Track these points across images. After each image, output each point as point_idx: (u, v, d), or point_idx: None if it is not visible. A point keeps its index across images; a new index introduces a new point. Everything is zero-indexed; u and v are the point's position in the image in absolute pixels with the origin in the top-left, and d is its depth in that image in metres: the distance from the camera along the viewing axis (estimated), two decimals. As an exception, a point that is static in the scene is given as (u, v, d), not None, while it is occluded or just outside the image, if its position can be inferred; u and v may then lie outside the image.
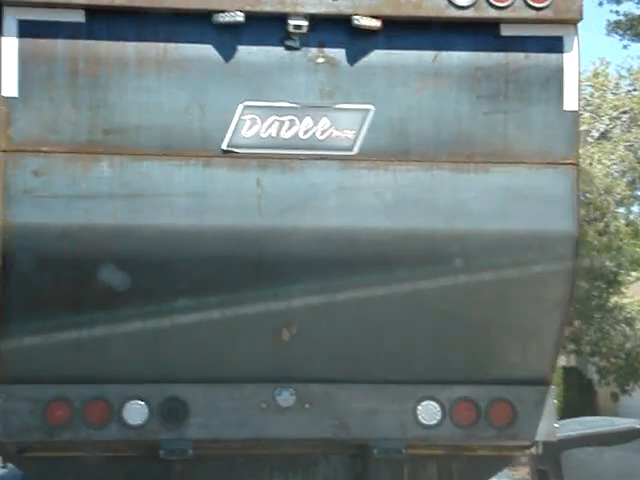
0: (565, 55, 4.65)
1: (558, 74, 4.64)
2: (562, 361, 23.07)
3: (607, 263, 16.90)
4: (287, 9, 4.53)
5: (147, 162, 4.48)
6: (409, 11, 4.58)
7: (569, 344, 17.79)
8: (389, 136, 4.58)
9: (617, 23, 18.97)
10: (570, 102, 4.64)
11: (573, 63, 4.66)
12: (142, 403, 4.73)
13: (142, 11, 4.49)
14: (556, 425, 4.98)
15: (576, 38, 4.67)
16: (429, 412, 4.83)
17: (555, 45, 4.65)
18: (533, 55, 4.64)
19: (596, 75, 17.62)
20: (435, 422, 4.83)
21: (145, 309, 4.52)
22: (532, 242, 4.64)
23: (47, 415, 4.72)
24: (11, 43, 4.43)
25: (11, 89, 4.43)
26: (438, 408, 4.82)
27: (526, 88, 4.63)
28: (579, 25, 4.67)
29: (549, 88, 4.63)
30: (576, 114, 4.67)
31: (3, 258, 4.44)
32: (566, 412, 18.32)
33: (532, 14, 4.60)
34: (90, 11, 4.46)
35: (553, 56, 4.65)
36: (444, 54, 4.62)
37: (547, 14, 4.61)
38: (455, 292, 4.72)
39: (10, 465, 5.63)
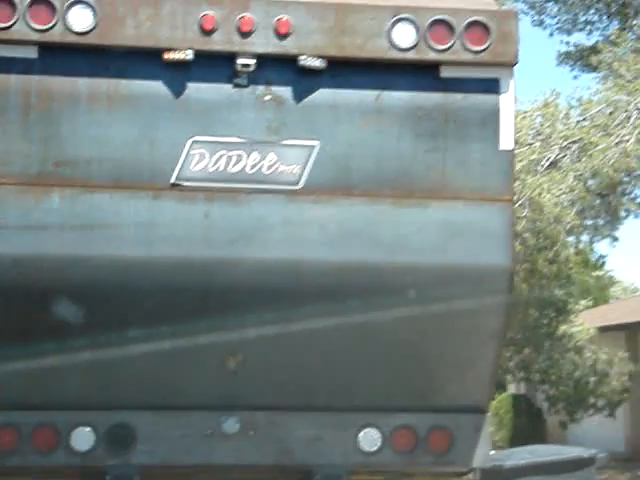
0: (501, 96, 4.86)
1: (494, 114, 4.85)
2: (511, 389, 23.33)
3: (556, 291, 17.23)
4: (235, 48, 4.70)
5: (97, 194, 4.63)
6: (353, 52, 4.77)
7: (519, 372, 18.06)
8: (333, 171, 4.76)
9: (567, 54, 19.41)
10: (505, 142, 4.85)
11: (509, 104, 4.88)
12: (89, 429, 4.86)
13: (94, 48, 4.66)
14: (492, 452, 5.17)
15: (512, 80, 4.89)
16: (369, 439, 5.00)
17: (492, 86, 4.86)
18: (471, 96, 4.85)
19: (546, 105, 17.96)
20: (375, 449, 5.00)
21: (94, 338, 4.65)
22: (469, 275, 4.84)
23: None
24: None
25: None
26: (379, 435, 5.00)
27: (464, 127, 4.84)
28: (515, 68, 4.91)
29: (486, 128, 4.84)
30: (511, 153, 4.88)
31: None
32: (515, 440, 18.59)
33: (470, 57, 4.81)
34: (43, 47, 4.62)
35: (490, 97, 4.86)
36: (386, 93, 4.82)
37: (484, 57, 4.82)
38: (396, 323, 4.90)
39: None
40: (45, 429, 4.83)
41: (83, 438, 4.84)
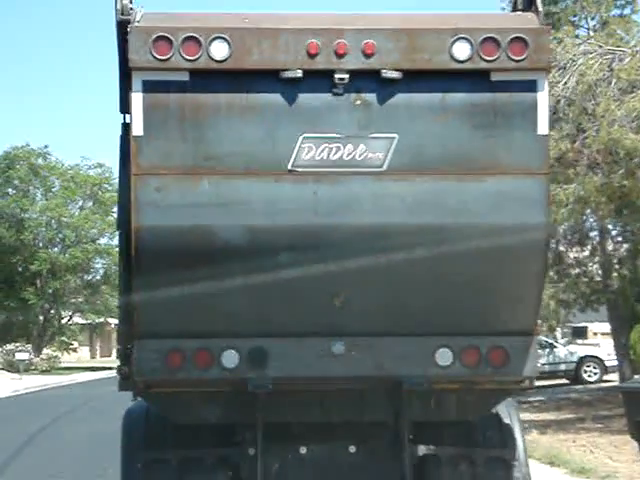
0: (538, 94, 6.48)
1: (533, 108, 6.46)
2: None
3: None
4: (333, 67, 6.43)
5: (234, 179, 6.45)
6: (422, 65, 6.43)
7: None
8: (409, 156, 6.47)
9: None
10: (542, 128, 6.49)
11: (544, 99, 6.50)
12: (235, 352, 6.75)
13: (230, 71, 6.46)
14: (539, 364, 6.89)
15: (546, 80, 6.53)
16: (444, 356, 6.77)
17: (531, 86, 6.47)
18: (515, 94, 6.47)
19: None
20: (448, 364, 6.76)
21: (236, 285, 6.52)
22: (515, 231, 6.50)
23: (167, 361, 6.77)
24: (138, 97, 6.42)
25: (138, 130, 6.42)
26: (450, 353, 6.78)
27: (510, 118, 6.47)
28: (548, 71, 6.54)
29: (526, 118, 6.47)
30: (547, 137, 6.52)
31: (135, 248, 6.48)
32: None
33: (513, 65, 6.43)
34: (192, 72, 6.43)
35: (529, 95, 6.47)
36: (449, 95, 6.48)
37: (524, 64, 6.43)
38: (462, 268, 6.63)
39: (139, 399, 7.76)
40: (203, 352, 6.74)
41: (231, 358, 6.73)
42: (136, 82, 6.40)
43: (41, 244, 66.22)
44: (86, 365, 68.30)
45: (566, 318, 23.93)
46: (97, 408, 26.02)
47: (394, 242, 6.51)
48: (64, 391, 43.27)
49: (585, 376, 32.37)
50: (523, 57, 6.43)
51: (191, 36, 6.37)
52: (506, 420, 7.59)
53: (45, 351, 66.28)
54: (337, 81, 6.44)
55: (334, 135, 6.46)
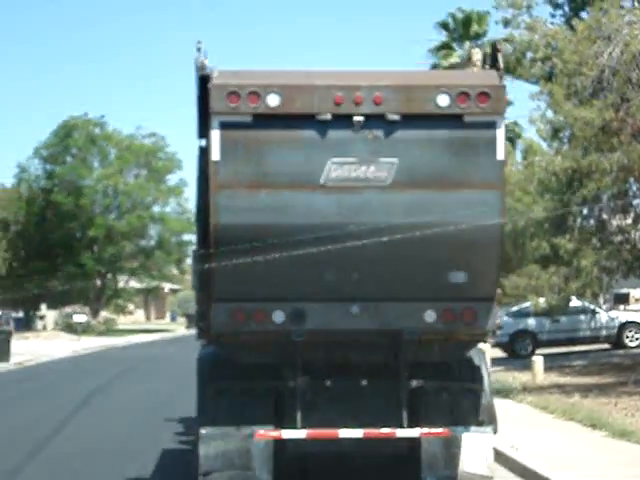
0: (497, 130, 9.36)
1: (494, 140, 9.35)
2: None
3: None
4: (352, 112, 9.33)
5: (283, 191, 9.38)
6: (415, 110, 9.31)
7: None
8: (405, 175, 9.36)
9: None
10: (500, 155, 9.34)
11: (501, 134, 9.34)
12: (281, 311, 9.70)
13: (280, 115, 9.35)
14: (497, 321, 9.84)
15: (503, 121, 9.39)
16: (430, 315, 9.71)
17: (492, 125, 9.35)
18: (480, 131, 9.35)
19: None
20: (433, 321, 9.70)
21: (285, 264, 9.41)
22: (482, 228, 9.34)
23: (234, 318, 9.75)
24: (216, 133, 9.35)
25: (216, 156, 9.36)
26: (434, 314, 9.71)
27: (477, 148, 9.36)
28: (504, 115, 9.41)
29: (489, 148, 9.34)
30: (503, 161, 9.37)
31: (214, 239, 9.42)
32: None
33: (479, 110, 9.29)
34: (254, 115, 9.35)
35: (491, 131, 9.34)
36: (434, 131, 9.35)
37: (487, 110, 9.30)
38: (444, 253, 9.51)
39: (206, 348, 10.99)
40: (260, 311, 9.73)
41: (279, 316, 9.70)
42: (214, 122, 9.36)
43: (98, 210, 69.51)
44: (141, 327, 71.88)
45: (609, 285, 24.77)
46: (151, 368, 27.48)
47: (395, 235, 9.42)
48: (120, 352, 46.02)
49: (627, 341, 33.34)
50: (486, 105, 9.32)
51: (254, 91, 9.32)
52: (476, 362, 10.57)
53: (102, 314, 69.87)
54: (355, 122, 9.35)
55: (353, 160, 9.39)
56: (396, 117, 9.36)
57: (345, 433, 10.04)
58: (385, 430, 10.03)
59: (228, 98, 9.33)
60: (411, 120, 9.39)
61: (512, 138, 46.98)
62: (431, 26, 52.10)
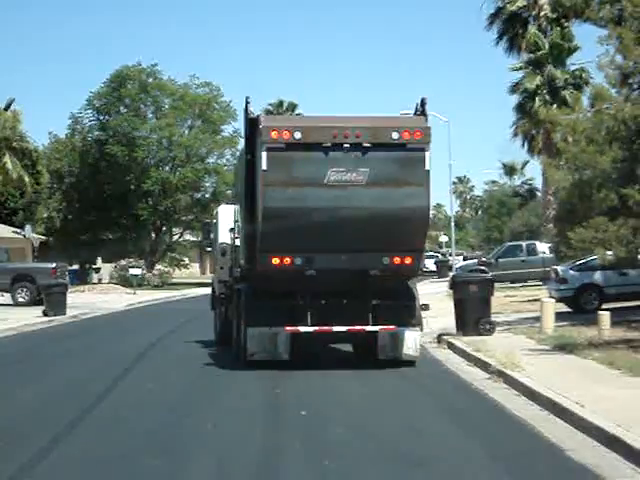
0: (426, 152, 18.91)
1: (423, 159, 18.89)
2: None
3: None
4: (343, 141, 18.71)
5: (302, 188, 18.84)
6: (379, 140, 18.77)
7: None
8: (374, 177, 18.77)
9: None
10: (427, 166, 18.86)
11: (429, 154, 18.87)
12: (300, 257, 19.22)
13: (302, 144, 18.75)
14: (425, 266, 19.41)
15: (430, 146, 18.90)
16: (385, 261, 19.33)
17: (423, 149, 18.91)
18: (415, 153, 18.86)
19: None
20: (387, 263, 19.36)
21: (303, 230, 18.97)
22: (417, 209, 18.90)
23: (272, 261, 19.23)
24: (264, 154, 18.79)
25: (264, 167, 18.83)
26: (388, 259, 19.32)
27: (414, 163, 18.84)
28: (430, 143, 18.92)
29: (420, 162, 18.87)
30: (429, 170, 18.85)
31: (262, 216, 18.96)
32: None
33: (415, 141, 18.77)
34: (286, 144, 18.78)
35: (422, 153, 18.87)
36: (389, 153, 18.81)
37: (420, 141, 18.80)
38: (395, 224, 18.99)
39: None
40: (288, 257, 19.23)
41: (299, 260, 19.28)
42: (263, 147, 18.82)
43: (152, 162, 73.89)
44: (196, 281, 74.83)
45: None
46: (206, 322, 29.32)
47: (368, 214, 18.95)
48: (175, 305, 49.02)
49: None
50: (419, 138, 18.85)
51: (286, 129, 18.84)
52: (412, 288, 20.37)
53: (157, 267, 74.46)
54: (345, 148, 18.86)
55: (343, 169, 18.86)
56: (368, 144, 18.77)
57: (336, 328, 19.82)
58: (358, 327, 19.83)
59: (271, 134, 18.81)
60: (377, 146, 18.76)
61: (579, 85, 53.76)
62: None
